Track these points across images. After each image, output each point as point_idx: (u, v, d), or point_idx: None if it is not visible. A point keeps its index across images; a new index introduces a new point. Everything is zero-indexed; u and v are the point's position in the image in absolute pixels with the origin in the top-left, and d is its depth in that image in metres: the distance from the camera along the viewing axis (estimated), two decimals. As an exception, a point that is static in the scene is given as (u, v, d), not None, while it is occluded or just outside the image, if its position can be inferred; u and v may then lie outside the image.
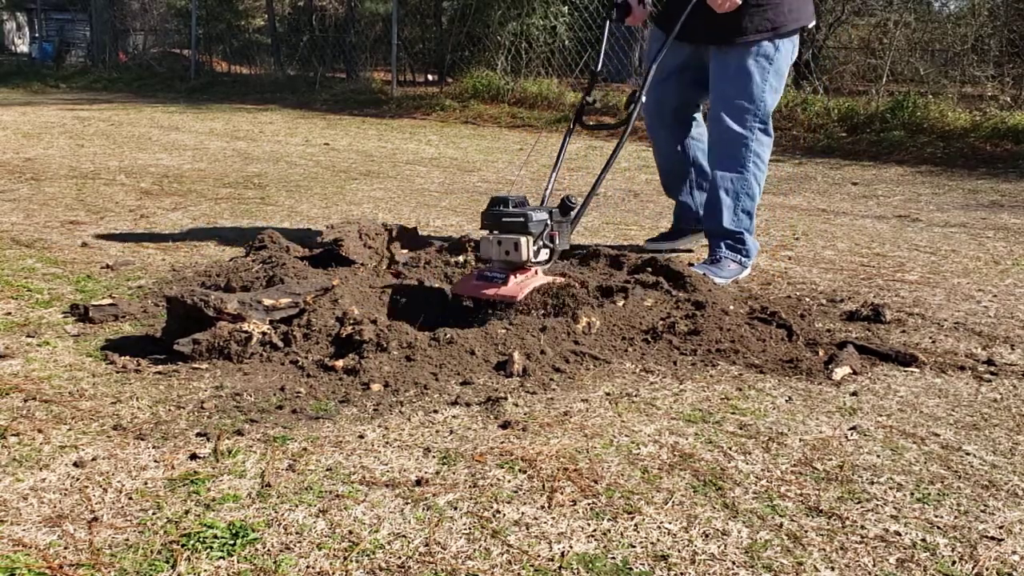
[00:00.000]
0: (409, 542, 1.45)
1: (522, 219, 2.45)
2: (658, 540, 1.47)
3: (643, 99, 2.89)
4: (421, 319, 2.44)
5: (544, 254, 2.52)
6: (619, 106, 8.72)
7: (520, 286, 2.44)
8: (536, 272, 2.52)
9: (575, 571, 1.38)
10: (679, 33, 3.02)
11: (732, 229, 3.23)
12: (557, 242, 2.53)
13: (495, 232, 2.51)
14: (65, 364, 2.22)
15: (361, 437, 1.83)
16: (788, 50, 3.19)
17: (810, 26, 3.32)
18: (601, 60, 3.14)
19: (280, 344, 2.26)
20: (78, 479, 1.63)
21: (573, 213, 2.63)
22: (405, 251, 3.16)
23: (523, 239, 2.43)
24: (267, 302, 2.34)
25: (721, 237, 3.26)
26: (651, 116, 3.47)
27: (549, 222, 2.49)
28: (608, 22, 3.11)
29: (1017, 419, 2.01)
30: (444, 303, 2.60)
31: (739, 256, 3.25)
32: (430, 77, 13.77)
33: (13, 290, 2.85)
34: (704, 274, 2.88)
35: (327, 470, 1.68)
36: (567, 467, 1.72)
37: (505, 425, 1.90)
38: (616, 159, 2.87)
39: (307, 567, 1.37)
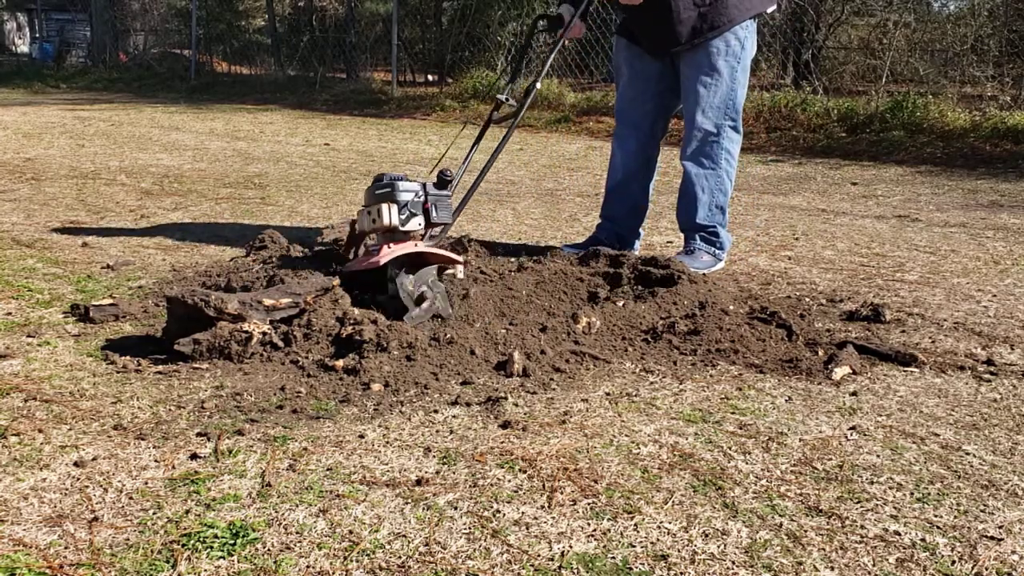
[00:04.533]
0: (409, 542, 1.45)
1: (389, 189, 2.53)
2: (658, 540, 1.47)
3: (538, 86, 2.94)
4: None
5: (416, 223, 2.55)
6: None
7: (386, 254, 2.46)
8: (417, 244, 2.52)
9: (575, 571, 1.38)
10: (648, 48, 3.25)
11: (706, 224, 3.35)
12: (435, 213, 2.57)
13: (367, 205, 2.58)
14: (65, 364, 2.22)
15: (361, 437, 1.83)
16: (750, 44, 3.26)
17: (769, 11, 3.38)
18: (522, 68, 3.13)
19: (280, 344, 2.26)
20: (78, 479, 1.63)
21: (452, 187, 2.66)
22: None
23: (385, 205, 2.49)
24: (267, 302, 2.34)
25: (695, 231, 3.38)
26: (627, 129, 3.45)
27: (421, 193, 2.55)
28: (538, 34, 3.13)
29: (1017, 419, 2.01)
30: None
31: (713, 248, 3.37)
32: (430, 77, 13.78)
33: (13, 290, 2.85)
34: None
35: (327, 470, 1.69)
36: (567, 467, 1.72)
37: (505, 425, 1.90)
38: (505, 146, 2.89)
39: (307, 567, 1.38)
